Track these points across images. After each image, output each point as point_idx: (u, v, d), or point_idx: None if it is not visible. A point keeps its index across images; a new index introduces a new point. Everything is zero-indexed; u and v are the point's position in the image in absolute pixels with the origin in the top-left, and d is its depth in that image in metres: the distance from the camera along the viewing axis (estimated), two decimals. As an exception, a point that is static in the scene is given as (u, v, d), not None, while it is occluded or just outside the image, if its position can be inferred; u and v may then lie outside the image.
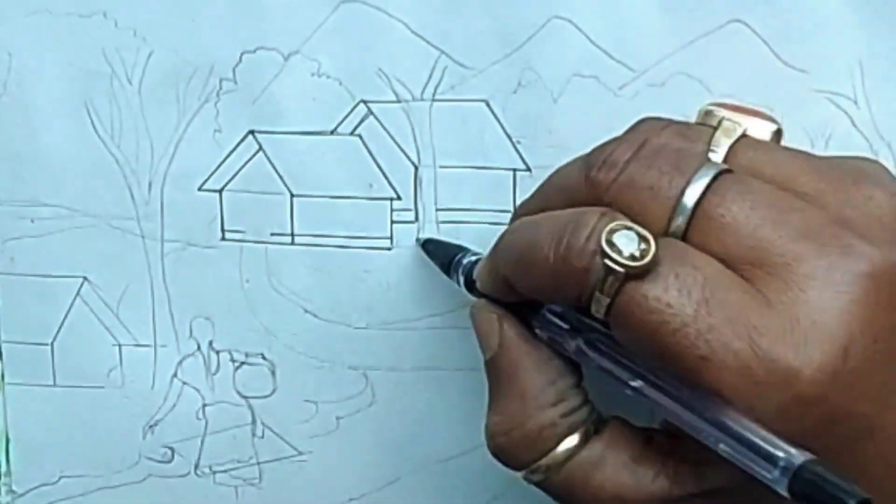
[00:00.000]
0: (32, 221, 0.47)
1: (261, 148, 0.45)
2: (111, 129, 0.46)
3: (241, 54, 0.45)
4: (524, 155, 0.44)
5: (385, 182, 0.45)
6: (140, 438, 0.48)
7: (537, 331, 0.39)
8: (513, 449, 0.39)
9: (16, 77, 0.45)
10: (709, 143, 0.37)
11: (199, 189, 0.46)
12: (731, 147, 0.37)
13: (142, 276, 0.47)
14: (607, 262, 0.34)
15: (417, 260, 0.46)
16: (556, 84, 0.43)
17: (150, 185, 0.46)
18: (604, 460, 0.37)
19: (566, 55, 0.43)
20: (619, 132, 0.43)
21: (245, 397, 0.48)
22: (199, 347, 0.47)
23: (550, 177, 0.40)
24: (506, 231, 0.39)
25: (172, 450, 0.48)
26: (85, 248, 0.47)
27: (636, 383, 0.36)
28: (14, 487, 0.49)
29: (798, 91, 0.42)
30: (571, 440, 0.38)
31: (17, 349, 0.48)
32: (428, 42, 0.44)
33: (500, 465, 0.47)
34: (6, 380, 0.48)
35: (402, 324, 0.46)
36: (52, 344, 0.48)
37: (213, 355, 0.47)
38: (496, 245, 0.39)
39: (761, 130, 0.38)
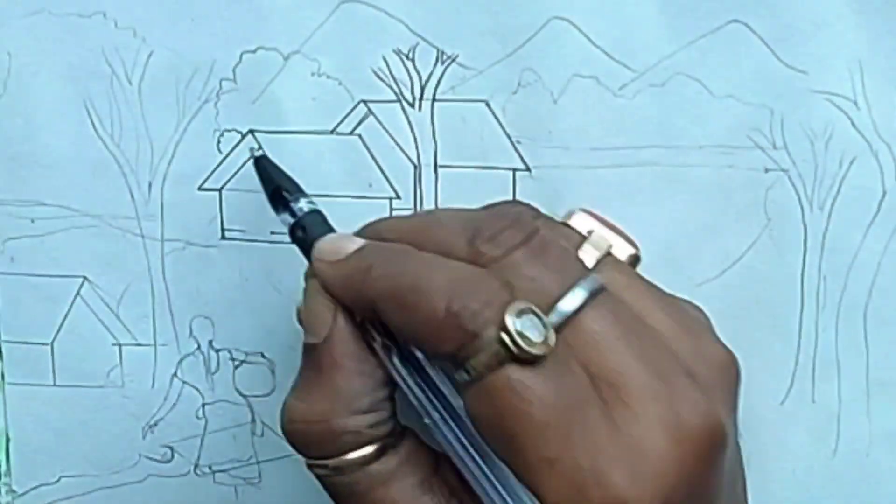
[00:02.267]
0: (32, 221, 0.47)
1: (260, 147, 0.45)
2: (111, 128, 0.46)
3: (241, 54, 0.45)
4: (524, 155, 0.44)
5: (385, 181, 0.45)
6: (140, 438, 0.48)
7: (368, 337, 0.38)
8: (309, 441, 0.38)
9: (16, 77, 0.46)
10: (576, 250, 0.38)
11: (199, 188, 0.46)
12: (598, 261, 0.38)
13: (142, 275, 0.47)
14: (505, 337, 0.34)
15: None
16: (556, 84, 0.43)
17: (150, 184, 0.46)
18: (392, 478, 0.38)
19: (566, 56, 0.43)
20: (618, 132, 0.43)
21: (245, 396, 0.48)
22: (199, 347, 0.47)
23: (428, 220, 0.39)
24: (383, 256, 0.37)
25: (172, 449, 0.48)
26: (85, 248, 0.47)
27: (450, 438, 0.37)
28: (14, 487, 0.49)
29: (797, 92, 0.42)
30: (367, 449, 0.38)
31: (17, 349, 0.48)
32: (427, 42, 0.44)
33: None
34: (6, 379, 0.48)
35: (401, 323, 0.46)
36: (52, 344, 0.48)
37: (213, 354, 0.47)
38: (367, 265, 0.37)
39: (622, 251, 0.40)
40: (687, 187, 0.43)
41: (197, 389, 0.48)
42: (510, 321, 0.34)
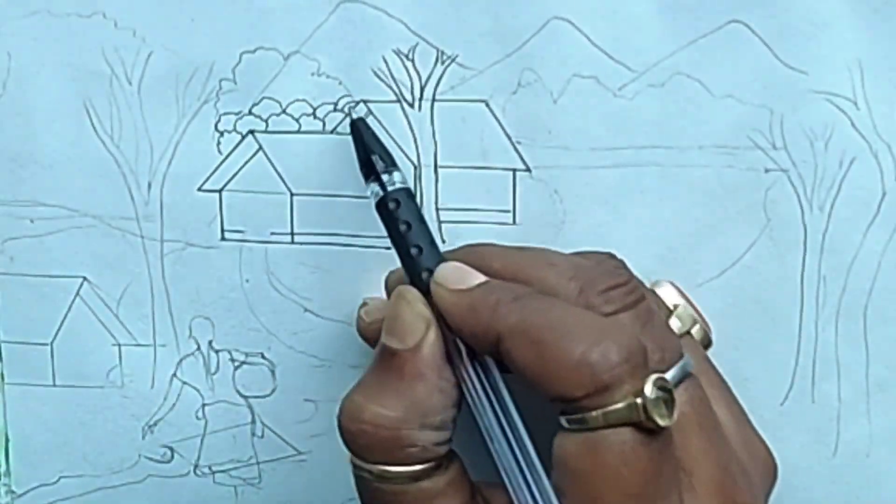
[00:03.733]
0: (32, 221, 0.47)
1: (261, 148, 0.45)
2: (111, 129, 0.46)
3: (241, 54, 0.45)
4: (524, 155, 0.44)
5: (385, 182, 0.45)
6: (139, 438, 0.48)
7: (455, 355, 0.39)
8: (372, 444, 0.38)
9: (15, 77, 0.45)
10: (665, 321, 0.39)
11: (199, 189, 0.46)
12: (679, 336, 0.39)
13: (141, 276, 0.47)
14: (639, 401, 0.34)
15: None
16: (556, 84, 0.43)
17: (149, 185, 0.46)
18: (436, 498, 0.38)
19: (566, 56, 0.43)
20: (618, 133, 0.43)
21: (245, 397, 0.48)
22: (198, 347, 0.47)
23: (537, 258, 0.39)
24: (513, 293, 0.37)
25: (172, 450, 0.48)
26: (84, 249, 0.47)
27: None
28: (13, 488, 0.49)
29: (797, 92, 0.42)
30: (424, 465, 0.38)
31: (16, 349, 0.48)
32: (428, 42, 0.44)
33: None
34: (6, 380, 0.48)
35: (401, 323, 0.46)
36: (51, 344, 0.48)
37: (213, 355, 0.47)
38: (495, 299, 0.37)
39: (697, 331, 0.41)
40: (687, 188, 0.43)
41: (197, 390, 0.48)
42: (649, 388, 0.34)
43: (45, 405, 0.48)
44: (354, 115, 0.44)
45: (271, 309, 0.47)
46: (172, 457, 0.48)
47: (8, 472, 0.49)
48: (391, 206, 0.41)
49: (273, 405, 0.48)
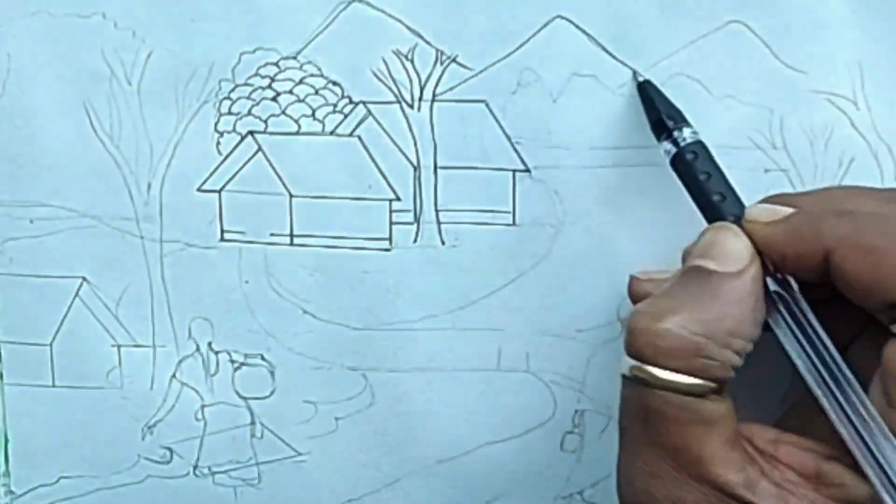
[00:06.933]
0: (31, 222, 0.47)
1: (260, 148, 0.45)
2: (110, 129, 0.46)
3: (241, 54, 0.45)
4: (523, 155, 0.44)
5: (384, 183, 0.45)
6: (139, 439, 0.48)
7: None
8: (671, 346, 0.38)
9: (15, 78, 0.45)
10: None
11: (199, 190, 0.46)
12: None
13: (141, 276, 0.47)
14: None
15: (416, 260, 0.46)
16: (556, 84, 0.43)
17: (149, 185, 0.46)
18: (716, 421, 0.38)
19: (565, 55, 0.43)
20: (618, 132, 0.43)
21: (244, 398, 0.48)
22: (198, 348, 0.47)
23: (847, 192, 0.40)
24: (834, 211, 0.38)
25: (171, 450, 0.48)
26: (84, 249, 0.47)
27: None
28: (13, 488, 0.49)
29: (797, 92, 0.42)
30: (712, 383, 0.38)
31: (16, 349, 0.48)
32: (427, 42, 0.44)
33: (499, 465, 0.47)
34: (5, 380, 0.48)
35: (400, 324, 0.46)
36: (51, 344, 0.48)
37: (213, 356, 0.47)
38: (816, 218, 0.38)
39: None
40: (686, 187, 0.43)
41: (196, 391, 0.48)
42: None
43: (44, 406, 0.48)
44: (640, 78, 0.43)
45: (270, 310, 0.47)
46: (172, 458, 0.48)
47: (7, 473, 0.49)
48: (689, 157, 0.41)
49: (272, 406, 0.47)
